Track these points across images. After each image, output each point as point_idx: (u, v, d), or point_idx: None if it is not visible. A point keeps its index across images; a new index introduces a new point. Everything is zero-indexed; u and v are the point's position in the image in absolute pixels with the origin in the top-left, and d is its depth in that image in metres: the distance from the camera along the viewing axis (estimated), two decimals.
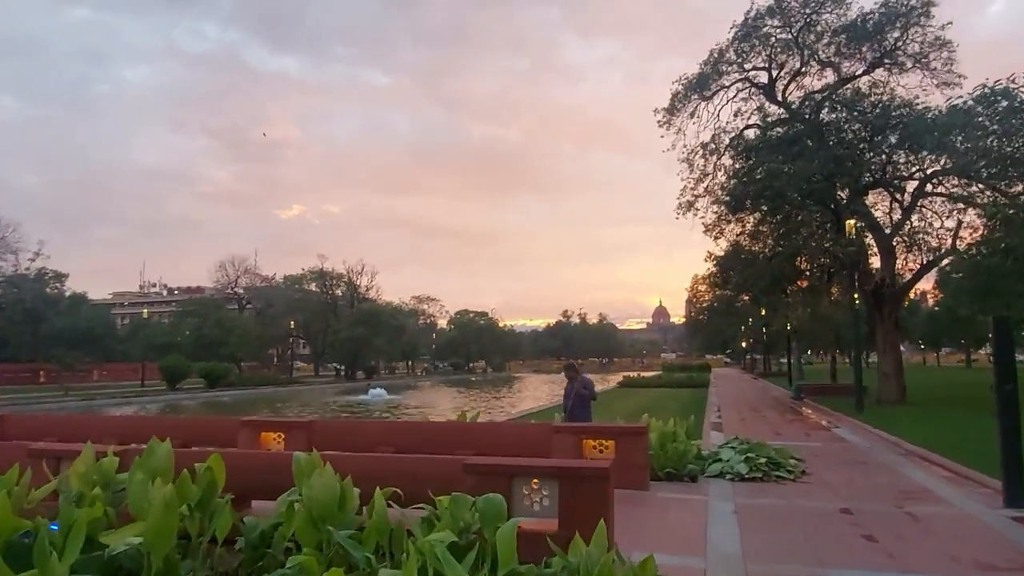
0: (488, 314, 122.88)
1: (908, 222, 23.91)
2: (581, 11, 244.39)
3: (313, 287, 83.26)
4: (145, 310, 65.62)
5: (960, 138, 20.71)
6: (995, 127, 20.42)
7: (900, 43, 23.26)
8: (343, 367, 78.35)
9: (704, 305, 69.07)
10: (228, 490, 6.84)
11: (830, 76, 24.83)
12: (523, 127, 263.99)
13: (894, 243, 23.99)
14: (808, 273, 27.12)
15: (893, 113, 22.39)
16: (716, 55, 25.77)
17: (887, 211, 25.30)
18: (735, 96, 26.32)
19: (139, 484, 5.65)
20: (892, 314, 23.65)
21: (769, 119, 25.74)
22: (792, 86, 25.81)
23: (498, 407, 35.09)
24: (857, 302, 21.93)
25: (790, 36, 24.65)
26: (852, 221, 21.12)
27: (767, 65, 25.58)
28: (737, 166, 25.09)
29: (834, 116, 24.64)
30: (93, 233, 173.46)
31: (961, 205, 22.75)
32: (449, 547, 4.08)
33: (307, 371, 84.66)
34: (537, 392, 49.51)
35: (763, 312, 38.88)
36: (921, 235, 23.72)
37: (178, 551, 5.04)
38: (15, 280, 60.23)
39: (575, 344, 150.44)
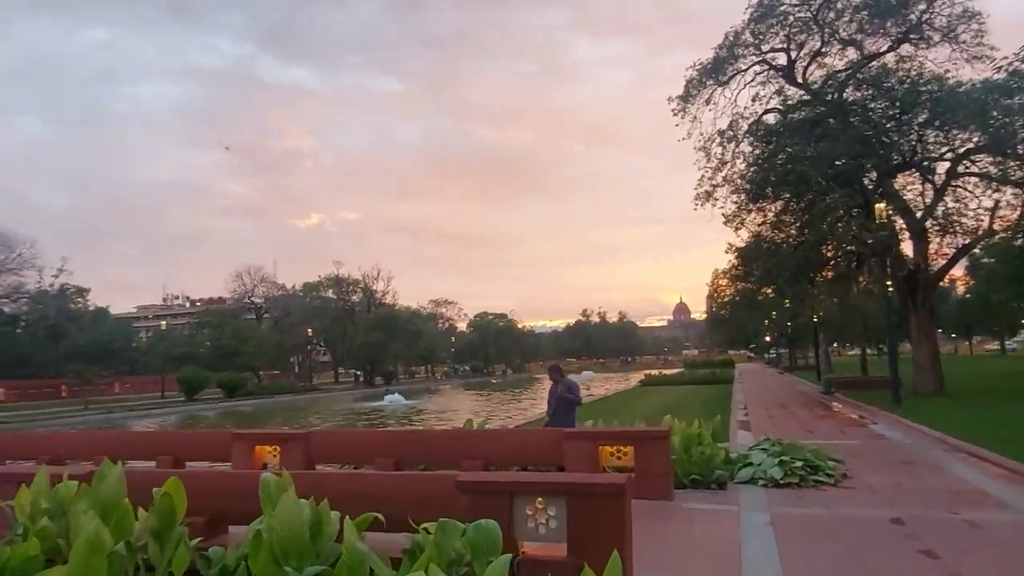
0: (508, 316, 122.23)
1: (941, 204, 22.66)
2: (586, 11, 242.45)
3: (330, 294, 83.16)
4: (163, 322, 65.84)
5: (995, 113, 19.53)
6: None
7: (926, 16, 22.08)
8: (362, 373, 78.07)
9: (725, 300, 67.63)
10: (200, 514, 6.16)
11: (852, 54, 23.66)
12: (532, 129, 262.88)
13: (927, 227, 22.80)
14: (835, 261, 25.99)
15: (922, 89, 21.22)
16: (731, 38, 24.73)
17: (918, 193, 24.05)
18: (752, 80, 25.24)
19: (81, 516, 4.98)
20: (926, 301, 22.49)
21: (789, 102, 24.63)
22: (813, 66, 24.67)
23: (518, 410, 34.34)
24: (890, 289, 20.82)
25: (809, 14, 23.56)
26: (882, 204, 19.98)
27: (785, 46, 24.49)
28: (757, 152, 24.04)
29: (859, 95, 23.47)
30: (116, 249, 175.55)
31: (995, 184, 21.54)
32: None
33: (328, 378, 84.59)
34: None
35: (788, 304, 37.61)
36: (955, 217, 22.44)
37: None
38: (38, 296, 60.66)
39: (595, 343, 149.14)
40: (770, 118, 24.90)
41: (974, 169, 22.23)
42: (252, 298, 79.84)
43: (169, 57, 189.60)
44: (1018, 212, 22.52)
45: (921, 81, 21.48)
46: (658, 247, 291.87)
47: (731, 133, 24.98)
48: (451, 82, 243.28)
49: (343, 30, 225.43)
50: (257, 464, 9.61)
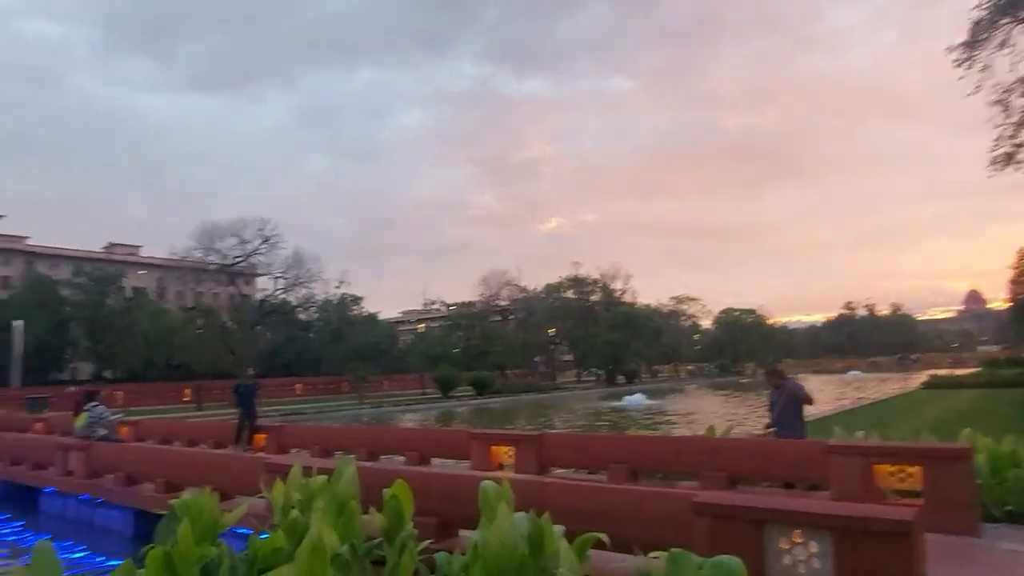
0: (756, 311, 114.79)
1: None
2: None
3: (570, 294, 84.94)
4: (421, 325, 72.24)
5: None
6: None
7: None
8: (603, 372, 78.58)
9: None
10: (431, 515, 6.11)
11: None
12: (782, 109, 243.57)
13: None
14: None
15: None
16: None
17: None
18: None
19: (317, 513, 5.12)
20: None
21: None
22: None
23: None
24: None
25: None
26: None
27: None
28: None
29: None
30: (386, 261, 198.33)
31: None
32: None
33: (570, 377, 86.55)
34: (820, 396, 44.17)
35: None
36: None
37: None
38: (324, 305, 70.52)
39: (862, 339, 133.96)
40: None
41: None
42: (498, 301, 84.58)
43: (423, 86, 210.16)
44: None
45: None
46: (939, 228, 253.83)
47: None
48: (687, 73, 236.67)
49: (574, 37, 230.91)
50: (493, 464, 9.66)
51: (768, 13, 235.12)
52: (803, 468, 7.20)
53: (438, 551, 4.42)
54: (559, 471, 9.19)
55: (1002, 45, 20.98)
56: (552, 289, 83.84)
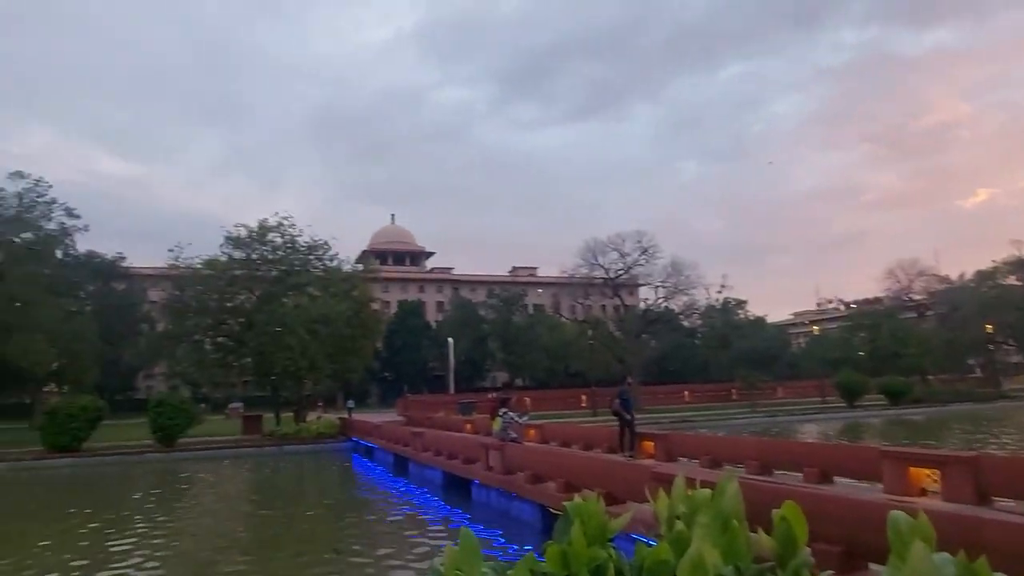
0: None
1: None
2: None
3: (1012, 280, 69.01)
4: (815, 327, 66.42)
5: None
6: None
7: None
8: None
9: None
10: (833, 542, 5.32)
11: None
12: None
13: None
14: None
15: None
16: None
17: None
18: None
19: (702, 529, 4.80)
20: None
21: None
22: None
23: None
24: None
25: None
26: None
27: None
28: None
29: None
30: (770, 261, 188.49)
31: None
32: None
33: (1021, 382, 70.11)
34: None
35: None
36: None
37: None
38: (707, 311, 70.04)
39: None
40: None
41: None
42: (910, 294, 73.16)
43: (796, 68, 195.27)
44: None
45: None
46: None
47: None
48: None
49: None
50: (913, 489, 8.09)
51: None
52: None
53: None
54: (1007, 503, 7.25)
55: None
56: (985, 276, 69.19)
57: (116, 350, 58.25)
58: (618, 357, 58.18)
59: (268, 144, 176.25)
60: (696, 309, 68.53)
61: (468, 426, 25.12)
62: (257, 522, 16.34)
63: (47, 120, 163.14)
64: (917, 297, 73.75)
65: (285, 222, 39.25)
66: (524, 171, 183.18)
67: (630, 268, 60.32)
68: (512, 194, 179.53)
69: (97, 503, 19.51)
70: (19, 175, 40.39)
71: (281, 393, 41.91)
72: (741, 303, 72.97)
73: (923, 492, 7.97)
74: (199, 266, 38.09)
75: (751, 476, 9.17)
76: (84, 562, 11.71)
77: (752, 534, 5.11)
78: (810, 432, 34.31)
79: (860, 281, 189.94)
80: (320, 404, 44.77)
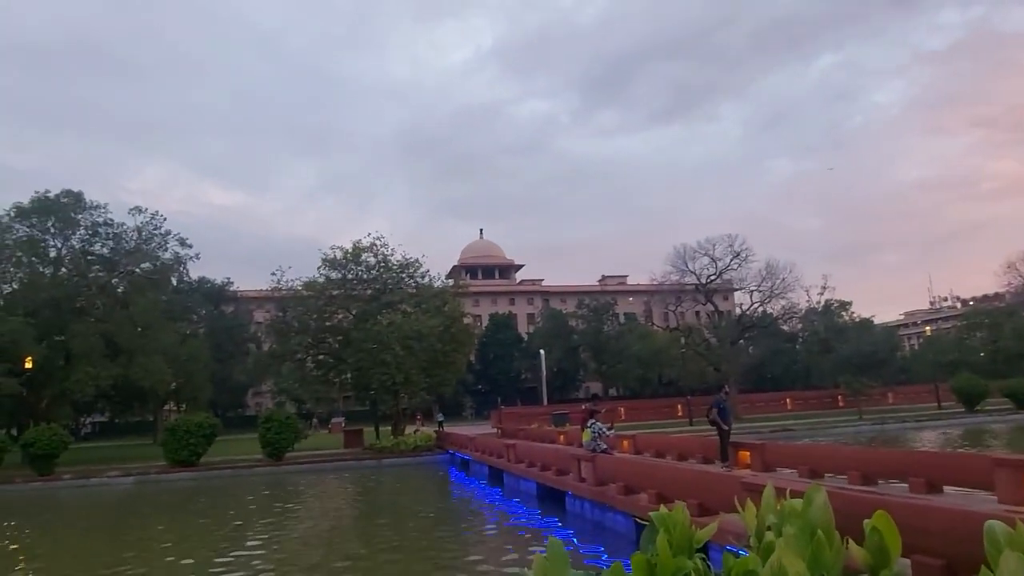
0: None
1: None
2: None
3: None
4: (927, 327, 62.33)
5: None
6: None
7: None
8: None
9: None
10: (933, 554, 5.11)
11: None
12: None
13: None
14: None
15: None
16: None
17: None
18: None
19: (787, 540, 4.72)
20: None
21: None
22: None
23: None
24: None
25: None
26: None
27: None
28: None
29: None
30: (876, 259, 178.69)
31: None
32: None
33: None
34: None
35: None
36: None
37: None
38: (808, 314, 67.06)
39: None
40: None
41: None
42: None
43: (896, 53, 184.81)
44: None
45: None
46: None
47: None
48: None
49: None
50: None
51: None
52: None
53: None
54: None
55: None
56: None
57: (227, 369, 62.07)
58: (713, 365, 56.68)
59: (359, 167, 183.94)
60: (795, 313, 65.81)
61: (561, 437, 25.18)
62: (356, 531, 17.05)
63: (159, 156, 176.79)
64: None
65: (378, 242, 40.82)
66: (609, 179, 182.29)
67: (722, 273, 58.77)
68: (598, 202, 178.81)
69: (217, 512, 20.98)
70: (138, 210, 43.88)
71: (379, 407, 43.32)
72: (845, 305, 69.32)
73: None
74: (299, 287, 40.15)
75: (849, 487, 8.78)
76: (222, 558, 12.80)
77: (848, 545, 5.01)
78: (924, 440, 32.23)
79: (978, 277, 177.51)
80: (419, 418, 46.08)
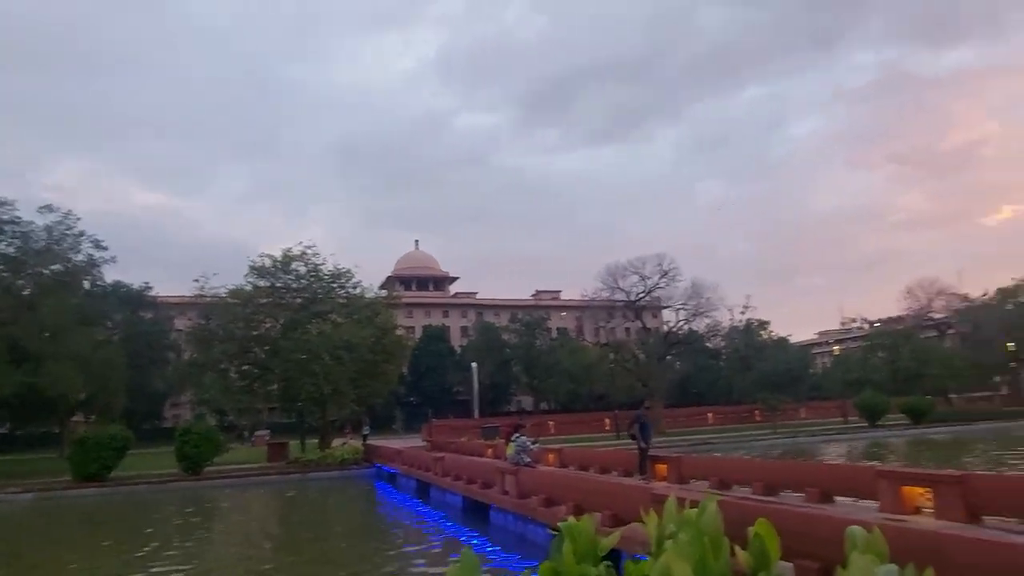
0: None
1: None
2: None
3: None
4: (837, 347, 65.80)
5: None
6: None
7: None
8: None
9: None
10: (810, 558, 5.67)
11: None
12: None
13: None
14: None
15: None
16: None
17: None
18: None
19: (677, 546, 5.17)
20: None
21: None
22: None
23: None
24: None
25: None
26: None
27: None
28: None
29: None
30: (794, 282, 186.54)
31: None
32: None
33: None
34: None
35: None
36: None
37: None
38: (730, 332, 69.80)
39: None
40: None
41: None
42: (931, 313, 72.42)
43: (819, 89, 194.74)
44: None
45: None
46: None
47: None
48: None
49: None
50: (906, 507, 8.38)
51: None
52: None
53: None
54: (996, 520, 7.53)
55: None
56: (1007, 295, 68.33)
57: (143, 378, 59.44)
58: (641, 380, 58.13)
59: (295, 174, 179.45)
60: (719, 331, 68.34)
61: (489, 451, 25.43)
62: (274, 547, 16.83)
63: (80, 152, 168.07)
64: (937, 316, 72.87)
65: (309, 251, 40.24)
66: (547, 195, 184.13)
67: (651, 291, 60.46)
68: (535, 218, 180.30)
69: (124, 531, 20.14)
70: (48, 209, 41.68)
71: (307, 419, 42.45)
72: (764, 324, 72.47)
73: (917, 510, 8.26)
74: (224, 295, 39.09)
75: (751, 497, 9.46)
76: None
77: (734, 551, 5.63)
78: (832, 452, 34.10)
79: (887, 301, 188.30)
80: (347, 430, 45.44)
